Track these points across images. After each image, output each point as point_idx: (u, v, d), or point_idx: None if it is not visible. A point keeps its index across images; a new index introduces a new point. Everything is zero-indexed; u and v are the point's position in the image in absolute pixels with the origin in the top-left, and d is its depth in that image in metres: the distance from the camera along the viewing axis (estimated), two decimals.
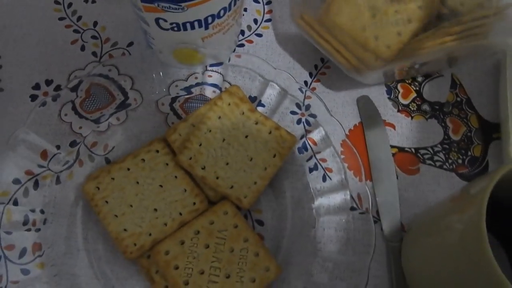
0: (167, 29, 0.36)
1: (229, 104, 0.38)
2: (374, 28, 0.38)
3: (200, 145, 0.36)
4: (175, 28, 0.36)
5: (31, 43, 0.43)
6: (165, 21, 0.35)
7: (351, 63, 0.37)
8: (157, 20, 0.35)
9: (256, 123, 0.38)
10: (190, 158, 0.36)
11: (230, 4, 0.36)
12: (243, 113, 0.38)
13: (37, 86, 0.41)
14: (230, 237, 0.34)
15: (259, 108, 0.41)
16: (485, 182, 0.27)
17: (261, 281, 0.33)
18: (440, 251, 0.30)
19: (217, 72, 0.41)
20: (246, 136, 0.37)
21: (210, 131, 0.37)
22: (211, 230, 0.34)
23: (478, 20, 0.38)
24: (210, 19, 0.36)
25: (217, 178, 0.36)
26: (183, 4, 0.33)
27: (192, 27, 0.36)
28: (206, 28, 0.36)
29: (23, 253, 0.34)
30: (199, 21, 0.35)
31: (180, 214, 0.35)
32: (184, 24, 0.35)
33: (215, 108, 0.38)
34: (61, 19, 0.44)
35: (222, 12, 0.36)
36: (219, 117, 0.37)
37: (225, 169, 0.36)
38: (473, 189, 0.29)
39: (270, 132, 0.37)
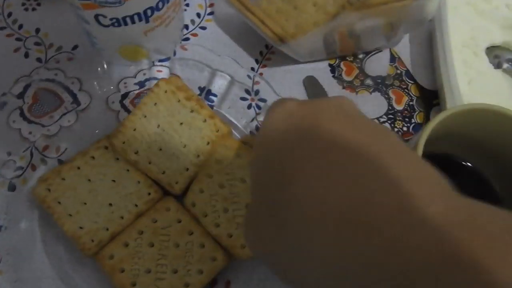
0: (108, 26, 0.37)
1: (166, 92, 0.38)
2: (295, 20, 0.41)
3: (134, 130, 0.37)
4: (116, 24, 0.36)
5: None
6: (105, 17, 0.36)
7: (276, 33, 0.39)
8: (96, 17, 0.36)
9: (192, 111, 0.38)
10: (124, 143, 0.36)
11: None
12: (179, 100, 0.38)
13: None
14: (175, 232, 0.34)
15: (211, 98, 0.42)
16: (418, 134, 0.28)
17: (208, 272, 0.33)
18: None
19: (165, 66, 0.42)
20: (181, 123, 0.38)
21: (145, 116, 0.37)
22: (155, 228, 0.34)
23: None
24: (149, 12, 0.36)
25: (150, 163, 0.36)
26: None
27: (133, 21, 0.36)
28: (147, 21, 0.37)
29: None
30: (138, 14, 0.36)
31: (136, 205, 0.36)
32: (124, 18, 0.36)
33: (151, 95, 0.38)
34: (1, 28, 0.44)
35: (160, 4, 0.36)
36: (155, 104, 0.38)
37: (158, 155, 0.37)
38: (410, 145, 0.30)
39: (205, 121, 0.38)
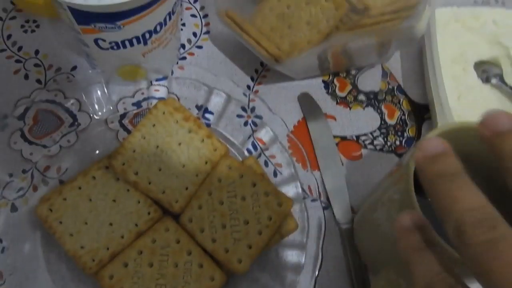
0: (107, 49, 0.38)
1: (164, 113, 0.39)
2: (289, 38, 0.42)
3: (134, 151, 0.38)
4: (115, 47, 0.37)
5: None
6: (104, 40, 0.37)
7: (271, 53, 0.40)
8: (96, 41, 0.37)
9: (189, 132, 0.39)
10: (123, 164, 0.37)
11: (165, 19, 0.38)
12: (177, 121, 0.39)
13: None
14: (173, 252, 0.35)
15: (208, 116, 0.43)
16: (412, 149, 0.29)
17: None
18: (386, 223, 0.32)
19: (163, 85, 0.43)
20: (179, 144, 0.39)
21: (144, 137, 0.38)
22: (154, 248, 0.35)
23: (387, 15, 0.42)
24: (147, 35, 0.37)
25: (150, 183, 0.37)
26: (118, 23, 0.34)
27: (131, 44, 0.37)
28: (145, 44, 0.38)
29: None
30: (137, 37, 0.37)
31: (136, 225, 0.36)
32: (122, 42, 0.37)
33: (149, 116, 0.39)
34: (1, 51, 0.45)
35: (158, 27, 0.37)
36: (154, 125, 0.39)
37: (157, 175, 0.37)
38: (404, 160, 0.31)
39: (202, 140, 0.39)
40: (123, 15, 0.34)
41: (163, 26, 0.38)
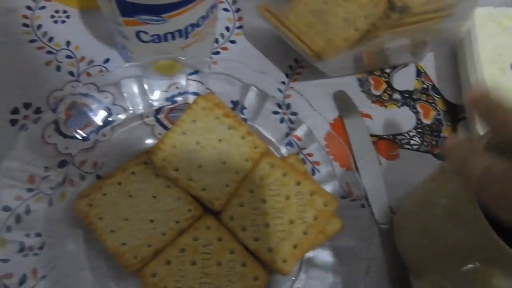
0: (148, 42, 0.37)
1: (204, 109, 0.39)
2: (325, 35, 0.42)
3: (174, 147, 0.37)
4: (156, 40, 0.37)
5: (3, 68, 0.42)
6: (146, 33, 0.36)
7: (313, 49, 0.39)
8: (137, 33, 0.36)
9: (230, 128, 0.39)
10: (164, 160, 0.37)
11: (207, 13, 0.37)
12: (217, 117, 0.39)
13: (15, 111, 0.40)
14: (216, 251, 0.35)
15: (242, 112, 0.42)
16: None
17: None
18: (431, 225, 0.32)
19: (197, 80, 0.42)
20: (220, 140, 0.38)
21: (184, 133, 0.38)
22: (196, 246, 0.35)
23: (428, 13, 0.41)
24: (190, 29, 0.37)
25: (190, 180, 0.36)
26: (164, 16, 0.34)
27: (173, 38, 0.37)
28: (186, 37, 0.37)
29: (23, 280, 0.33)
30: (179, 31, 0.36)
31: (177, 222, 0.36)
32: (165, 35, 0.36)
33: (189, 112, 0.38)
34: (32, 41, 0.44)
35: (200, 20, 0.37)
36: (194, 121, 0.38)
37: (198, 172, 0.37)
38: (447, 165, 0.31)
39: (243, 138, 0.38)
40: (169, 7, 0.33)
41: (205, 19, 0.37)
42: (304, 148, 0.40)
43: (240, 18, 0.48)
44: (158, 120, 0.41)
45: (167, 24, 0.35)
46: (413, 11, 0.41)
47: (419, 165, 0.42)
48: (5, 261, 0.33)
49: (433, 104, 0.45)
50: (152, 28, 0.35)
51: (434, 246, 0.32)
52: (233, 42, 0.46)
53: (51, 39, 0.44)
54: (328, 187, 0.39)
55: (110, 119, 0.40)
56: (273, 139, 0.41)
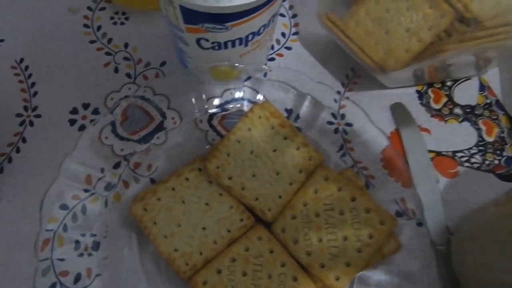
0: (208, 48, 0.37)
1: (260, 117, 0.38)
2: (385, 45, 0.40)
3: (228, 155, 0.37)
4: (216, 47, 0.36)
5: (64, 67, 0.43)
6: (207, 41, 0.36)
7: (376, 61, 0.38)
8: (198, 40, 0.36)
9: (285, 138, 0.38)
10: (218, 167, 0.36)
11: (269, 21, 0.36)
12: (273, 127, 0.38)
13: (74, 111, 0.41)
14: (267, 262, 0.34)
15: (296, 120, 0.41)
16: None
17: None
18: (496, 255, 0.30)
19: (252, 87, 0.42)
20: (274, 150, 0.38)
21: (239, 142, 0.37)
22: (247, 257, 0.34)
23: (500, 27, 0.39)
24: (250, 37, 0.36)
25: (243, 189, 0.36)
26: (227, 24, 0.33)
27: (233, 45, 0.36)
28: (246, 45, 0.37)
29: (77, 278, 0.34)
30: (240, 39, 0.36)
31: (229, 231, 0.36)
32: (225, 43, 0.36)
33: (245, 120, 0.38)
34: (92, 42, 0.45)
35: (262, 29, 0.36)
36: (249, 129, 0.38)
37: (251, 181, 0.36)
38: None
39: (298, 148, 0.38)
40: (234, 16, 0.33)
41: (266, 28, 0.37)
42: (359, 162, 0.39)
43: (296, 24, 0.47)
44: (211, 126, 0.41)
45: (229, 33, 0.34)
46: (482, 25, 0.39)
47: (479, 184, 0.40)
48: (61, 259, 0.34)
49: (496, 121, 0.43)
50: (214, 36, 0.35)
51: (497, 274, 0.30)
52: (288, 48, 0.46)
53: (110, 40, 0.45)
54: (382, 203, 0.37)
55: (164, 123, 0.40)
56: (326, 150, 0.40)
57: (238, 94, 0.42)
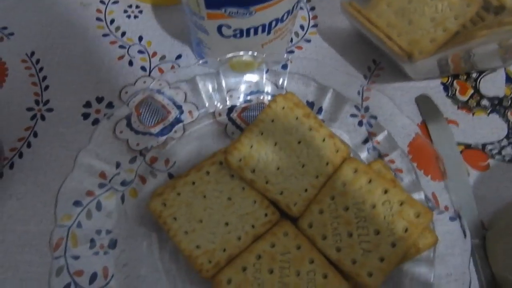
0: (229, 36, 0.35)
1: (283, 108, 0.36)
2: (409, 36, 0.39)
3: (251, 147, 0.35)
4: (238, 35, 0.35)
5: (76, 61, 0.42)
6: (229, 27, 0.34)
7: (404, 48, 0.37)
8: (219, 27, 0.34)
9: (310, 130, 0.36)
10: (240, 160, 0.34)
11: (293, 8, 0.35)
12: (297, 118, 0.36)
13: (88, 104, 0.40)
14: (294, 259, 0.32)
15: (316, 113, 0.40)
16: None
17: None
18: None
19: (271, 80, 0.40)
20: (299, 142, 0.36)
21: (262, 133, 0.36)
22: (273, 254, 0.32)
23: None
24: (274, 23, 0.35)
25: (267, 182, 0.34)
26: (251, 8, 0.32)
27: (256, 33, 0.35)
28: (269, 33, 0.36)
29: (93, 278, 0.32)
30: (263, 26, 0.34)
31: (253, 226, 0.34)
32: (248, 30, 0.34)
33: (268, 111, 0.36)
34: (105, 35, 0.43)
35: (285, 15, 0.35)
36: (272, 120, 0.36)
37: (275, 174, 0.35)
38: None
39: (323, 140, 0.36)
40: None
41: (289, 15, 0.35)
42: (386, 155, 0.38)
43: (315, 17, 0.46)
44: (230, 119, 0.39)
45: (253, 18, 0.33)
46: (510, 12, 0.38)
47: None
48: (75, 258, 0.32)
49: None
50: (236, 22, 0.33)
51: None
52: (308, 41, 0.44)
53: (123, 33, 0.43)
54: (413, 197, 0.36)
55: (181, 116, 0.39)
56: (352, 143, 0.39)
57: (258, 87, 0.40)
